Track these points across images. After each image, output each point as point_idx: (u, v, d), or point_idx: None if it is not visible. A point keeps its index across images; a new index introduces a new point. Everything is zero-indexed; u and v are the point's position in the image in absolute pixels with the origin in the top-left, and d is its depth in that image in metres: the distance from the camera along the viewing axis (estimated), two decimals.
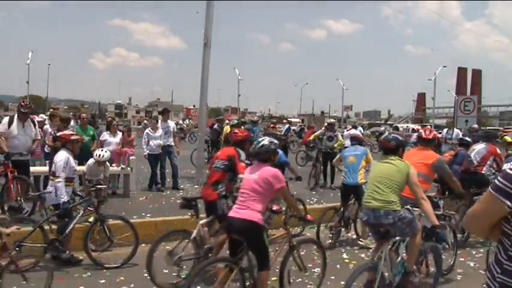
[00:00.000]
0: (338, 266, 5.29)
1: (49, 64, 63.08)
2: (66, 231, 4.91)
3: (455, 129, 11.79)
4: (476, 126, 12.60)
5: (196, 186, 9.35)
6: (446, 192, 6.32)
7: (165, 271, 4.59)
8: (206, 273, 3.71)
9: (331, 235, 6.18)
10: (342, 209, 6.26)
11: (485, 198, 1.73)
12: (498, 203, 1.64)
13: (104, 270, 4.93)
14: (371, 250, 5.67)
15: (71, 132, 5.79)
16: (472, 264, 5.62)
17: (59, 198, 4.99)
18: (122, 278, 4.70)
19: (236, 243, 3.71)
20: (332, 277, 4.92)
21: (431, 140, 5.05)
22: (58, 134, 5.92)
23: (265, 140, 3.91)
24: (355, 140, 6.90)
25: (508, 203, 1.61)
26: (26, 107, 6.63)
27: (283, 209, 4.29)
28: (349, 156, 6.33)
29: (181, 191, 8.90)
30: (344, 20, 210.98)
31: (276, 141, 3.98)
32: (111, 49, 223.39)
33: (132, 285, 4.54)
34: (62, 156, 5.12)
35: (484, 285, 1.79)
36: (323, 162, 10.34)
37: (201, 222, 4.64)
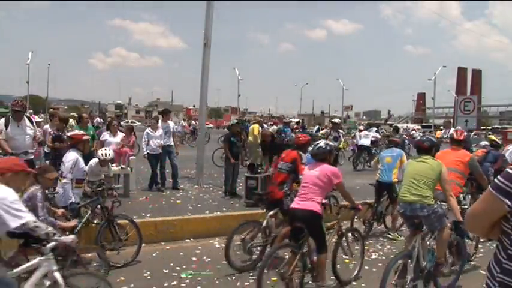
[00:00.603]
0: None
1: (49, 64, 63.28)
2: (75, 231, 4.91)
3: (452, 129, 11.88)
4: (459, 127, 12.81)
5: (196, 186, 9.36)
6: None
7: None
8: (274, 257, 4.27)
9: (364, 227, 6.63)
10: (375, 204, 6.82)
11: (485, 198, 1.73)
12: (498, 202, 1.64)
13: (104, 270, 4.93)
14: (402, 239, 5.67)
15: (82, 132, 5.80)
16: (472, 264, 5.62)
17: (66, 200, 4.95)
18: (122, 278, 4.69)
19: (298, 231, 4.24)
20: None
21: (462, 141, 5.45)
22: (69, 134, 5.91)
23: (322, 143, 4.57)
24: (393, 143, 7.52)
25: (508, 202, 1.62)
26: (18, 105, 6.55)
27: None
28: (386, 156, 6.86)
29: (181, 191, 8.90)
30: (344, 20, 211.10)
31: (331, 144, 4.82)
32: (111, 49, 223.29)
33: (132, 285, 4.54)
34: (71, 157, 5.07)
35: (484, 286, 1.79)
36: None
37: (270, 213, 5.26)
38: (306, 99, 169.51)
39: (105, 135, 8.96)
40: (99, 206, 5.24)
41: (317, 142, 4.69)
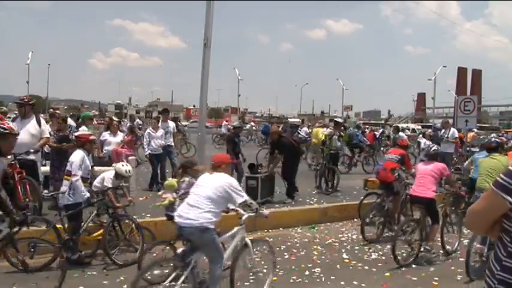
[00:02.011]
0: (338, 266, 5.30)
1: (49, 64, 63.21)
2: (80, 231, 4.94)
3: (452, 128, 11.94)
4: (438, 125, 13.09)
5: None
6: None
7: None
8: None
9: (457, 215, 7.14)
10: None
11: (487, 195, 1.74)
12: (500, 200, 1.66)
13: (104, 271, 4.93)
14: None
15: (90, 133, 5.82)
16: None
17: (81, 195, 4.98)
18: (122, 278, 4.69)
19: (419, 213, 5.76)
20: (332, 277, 4.92)
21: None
22: (77, 134, 5.93)
23: (435, 146, 6.21)
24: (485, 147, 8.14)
25: (510, 199, 1.63)
26: (21, 98, 6.53)
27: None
28: (479, 159, 7.08)
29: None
30: (344, 20, 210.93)
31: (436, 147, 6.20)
32: (111, 49, 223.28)
33: None
34: (79, 155, 5.13)
35: (484, 285, 1.78)
36: (332, 163, 9.89)
37: (390, 199, 6.51)
38: (306, 99, 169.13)
39: (105, 135, 8.96)
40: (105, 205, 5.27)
41: (431, 146, 6.30)
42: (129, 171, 5.66)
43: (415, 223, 5.61)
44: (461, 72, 73.02)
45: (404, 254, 5.62)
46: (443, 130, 12.28)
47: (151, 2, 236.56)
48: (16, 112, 7.96)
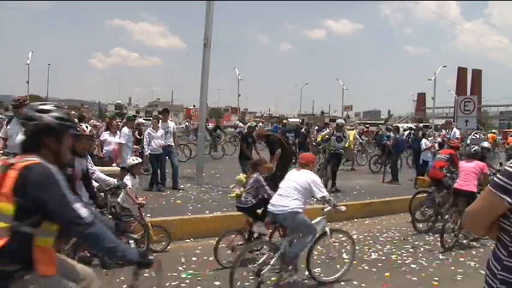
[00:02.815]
0: (338, 266, 5.28)
1: (49, 64, 63.35)
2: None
3: (454, 129, 11.98)
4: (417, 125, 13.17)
5: (196, 186, 9.35)
6: None
7: None
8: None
9: None
10: None
11: (485, 196, 1.75)
12: (498, 200, 1.66)
13: (104, 270, 4.92)
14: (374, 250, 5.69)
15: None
16: (472, 264, 5.63)
17: (107, 182, 5.04)
18: (123, 278, 4.68)
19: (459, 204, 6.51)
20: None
21: None
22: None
23: (476, 147, 7.10)
24: None
25: (508, 199, 1.63)
26: (15, 100, 6.55)
27: None
28: None
29: (181, 191, 8.90)
30: (344, 20, 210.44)
31: (479, 146, 7.26)
32: (111, 49, 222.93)
33: None
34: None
35: (484, 285, 1.78)
36: (333, 163, 9.89)
37: (441, 194, 7.26)
38: (306, 99, 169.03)
39: (105, 135, 8.96)
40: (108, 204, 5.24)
41: (472, 146, 7.35)
42: (137, 158, 6.03)
43: (458, 213, 6.27)
44: (461, 72, 73.04)
45: (449, 240, 6.32)
46: (446, 131, 12.40)
47: (151, 2, 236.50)
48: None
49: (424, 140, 13.55)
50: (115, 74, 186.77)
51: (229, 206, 7.67)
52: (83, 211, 2.00)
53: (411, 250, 6.18)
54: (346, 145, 10.17)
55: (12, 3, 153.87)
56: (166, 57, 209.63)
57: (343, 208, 4.78)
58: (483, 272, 1.82)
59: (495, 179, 1.71)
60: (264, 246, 4.68)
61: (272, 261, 4.28)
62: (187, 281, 4.69)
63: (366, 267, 5.35)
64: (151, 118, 14.44)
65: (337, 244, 5.47)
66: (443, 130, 12.84)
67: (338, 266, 5.03)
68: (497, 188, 1.67)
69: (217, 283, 4.61)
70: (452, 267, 5.45)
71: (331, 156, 9.97)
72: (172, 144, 9.42)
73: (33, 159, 2.05)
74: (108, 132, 9.06)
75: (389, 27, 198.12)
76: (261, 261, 4.38)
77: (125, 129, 8.80)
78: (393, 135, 12.89)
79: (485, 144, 9.40)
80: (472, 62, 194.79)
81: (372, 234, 6.97)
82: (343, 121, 12.00)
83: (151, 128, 9.30)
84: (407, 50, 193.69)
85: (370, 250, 6.05)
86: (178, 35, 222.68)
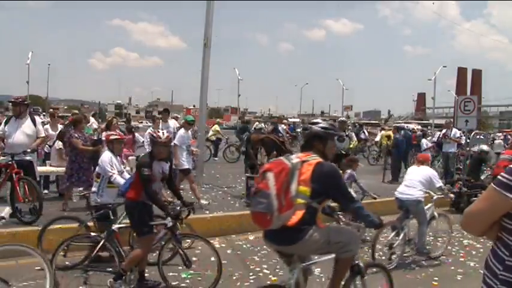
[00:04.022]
0: (438, 243, 5.33)
1: (49, 64, 63.05)
2: (110, 230, 4.94)
3: (454, 129, 12.02)
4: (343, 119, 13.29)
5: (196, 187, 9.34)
6: None
7: None
8: None
9: None
10: None
11: (488, 195, 1.73)
12: (502, 198, 1.64)
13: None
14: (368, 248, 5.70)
15: (111, 132, 6.00)
16: (472, 264, 5.62)
17: (111, 195, 5.11)
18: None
19: None
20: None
21: None
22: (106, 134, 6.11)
23: None
24: None
25: None
26: (14, 98, 6.53)
27: None
28: None
29: (181, 191, 8.88)
30: (343, 20, 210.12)
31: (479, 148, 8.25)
32: (110, 49, 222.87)
33: (132, 285, 4.53)
34: (109, 155, 5.27)
35: (483, 285, 1.77)
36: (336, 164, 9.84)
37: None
38: (306, 99, 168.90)
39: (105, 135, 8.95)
40: None
41: None
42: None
43: None
44: (461, 72, 73.06)
45: None
46: (445, 130, 12.44)
47: (151, 2, 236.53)
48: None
49: (424, 140, 13.54)
50: (115, 74, 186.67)
51: (229, 206, 7.67)
52: (352, 193, 3.54)
53: (411, 250, 6.17)
54: (351, 146, 9.74)
55: (12, 3, 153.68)
56: (166, 57, 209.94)
57: (452, 196, 6.27)
58: (483, 271, 1.81)
59: (499, 177, 1.69)
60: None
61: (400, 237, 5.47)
62: (187, 281, 4.69)
63: None
64: (148, 124, 14.39)
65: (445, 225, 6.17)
66: (443, 130, 12.88)
67: (438, 243, 6.08)
68: (501, 185, 1.66)
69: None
70: (452, 267, 5.45)
71: (335, 157, 9.72)
72: (172, 144, 9.41)
73: (317, 157, 2.98)
74: (108, 132, 9.05)
75: (389, 27, 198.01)
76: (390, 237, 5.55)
77: (181, 131, 8.62)
78: (393, 135, 12.90)
79: (485, 147, 9.42)
80: (472, 62, 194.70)
81: (371, 234, 6.94)
82: (344, 119, 11.90)
83: (152, 129, 9.30)
84: (407, 50, 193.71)
85: (370, 250, 6.04)
86: (178, 35, 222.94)
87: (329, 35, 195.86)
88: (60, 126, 8.81)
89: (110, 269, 4.28)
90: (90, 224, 5.00)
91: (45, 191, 7.87)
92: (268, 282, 4.46)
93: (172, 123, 9.95)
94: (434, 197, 5.89)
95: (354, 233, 3.35)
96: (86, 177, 6.87)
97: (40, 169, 7.49)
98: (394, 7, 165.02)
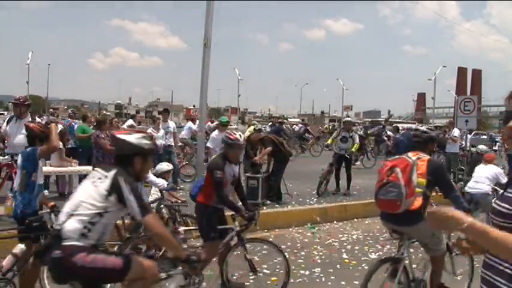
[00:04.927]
0: (338, 266, 5.30)
1: (49, 64, 62.94)
2: (140, 230, 4.96)
3: (455, 129, 12.04)
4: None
5: None
6: None
7: None
8: None
9: None
10: None
11: None
12: None
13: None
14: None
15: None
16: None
17: (158, 185, 5.16)
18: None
19: None
20: (332, 277, 4.93)
21: None
22: None
23: None
24: None
25: None
26: (15, 98, 6.55)
27: None
28: None
29: (181, 191, 8.90)
30: (343, 20, 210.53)
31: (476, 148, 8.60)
32: (110, 49, 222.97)
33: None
34: None
35: (482, 285, 1.75)
36: (337, 165, 9.58)
37: None
38: (306, 99, 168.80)
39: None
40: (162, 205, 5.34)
41: None
42: (168, 164, 6.01)
43: None
44: (461, 72, 73.15)
45: None
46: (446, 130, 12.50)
47: (151, 2, 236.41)
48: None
49: None
50: (115, 74, 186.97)
51: None
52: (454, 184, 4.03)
53: (411, 250, 6.17)
54: (353, 148, 9.60)
55: (13, 3, 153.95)
56: (166, 57, 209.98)
57: None
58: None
59: None
60: None
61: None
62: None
63: (366, 267, 5.34)
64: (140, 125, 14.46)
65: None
66: (445, 130, 12.95)
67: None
68: None
69: (218, 282, 4.61)
70: None
71: (338, 158, 9.61)
72: (173, 144, 9.44)
73: (425, 155, 3.77)
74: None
75: (389, 27, 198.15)
76: None
77: (215, 133, 8.56)
78: (393, 135, 12.90)
79: (484, 147, 9.42)
80: (472, 62, 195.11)
81: (372, 234, 6.97)
82: (350, 119, 11.85)
83: (152, 129, 9.32)
84: (407, 50, 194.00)
85: (370, 250, 6.06)
86: (178, 35, 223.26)
87: (329, 35, 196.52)
88: (60, 126, 8.80)
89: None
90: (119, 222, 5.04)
91: (45, 191, 7.86)
92: (269, 282, 4.45)
93: (172, 123, 9.96)
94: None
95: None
96: None
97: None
98: (394, 7, 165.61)
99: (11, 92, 65.45)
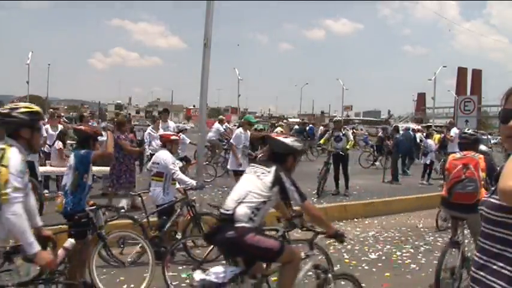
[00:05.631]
0: (338, 266, 5.29)
1: (49, 64, 63.22)
2: (165, 228, 5.08)
3: (453, 128, 12.09)
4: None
5: None
6: None
7: None
8: None
9: None
10: None
11: None
12: None
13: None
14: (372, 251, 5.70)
15: (171, 133, 6.30)
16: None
17: (187, 184, 5.30)
18: (122, 278, 4.69)
19: None
20: None
21: None
22: (159, 134, 6.39)
23: None
24: None
25: None
26: (17, 99, 6.57)
27: None
28: None
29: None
30: (343, 20, 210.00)
31: None
32: (110, 49, 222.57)
33: (132, 285, 4.54)
34: (167, 154, 5.41)
35: (474, 285, 1.71)
36: (335, 165, 9.58)
37: None
38: (306, 99, 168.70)
39: (105, 135, 8.96)
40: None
41: None
42: (178, 163, 6.15)
43: None
44: (461, 72, 73.13)
45: None
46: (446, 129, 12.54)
47: (151, 2, 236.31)
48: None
49: (429, 141, 13.57)
50: (115, 74, 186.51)
51: None
52: None
53: (411, 250, 6.19)
54: (348, 146, 9.58)
55: (12, 3, 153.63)
56: (166, 57, 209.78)
57: None
58: None
59: None
60: None
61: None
62: (187, 280, 4.68)
63: (366, 267, 5.35)
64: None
65: None
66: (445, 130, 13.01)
67: None
68: None
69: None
70: None
71: (335, 158, 9.60)
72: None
73: (477, 154, 4.36)
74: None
75: (389, 27, 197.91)
76: None
77: (238, 131, 8.50)
78: (393, 135, 12.90)
79: (483, 148, 9.45)
80: (472, 62, 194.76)
81: (372, 234, 6.97)
82: (339, 118, 11.87)
83: (151, 128, 9.31)
84: (407, 50, 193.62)
85: (370, 250, 6.06)
86: (178, 35, 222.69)
87: (329, 35, 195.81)
88: (60, 126, 8.82)
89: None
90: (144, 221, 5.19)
91: (46, 191, 7.88)
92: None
93: (172, 123, 9.96)
94: None
95: None
96: (132, 178, 7.04)
97: (40, 169, 7.51)
98: (394, 7, 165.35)
99: (11, 92, 65.47)
